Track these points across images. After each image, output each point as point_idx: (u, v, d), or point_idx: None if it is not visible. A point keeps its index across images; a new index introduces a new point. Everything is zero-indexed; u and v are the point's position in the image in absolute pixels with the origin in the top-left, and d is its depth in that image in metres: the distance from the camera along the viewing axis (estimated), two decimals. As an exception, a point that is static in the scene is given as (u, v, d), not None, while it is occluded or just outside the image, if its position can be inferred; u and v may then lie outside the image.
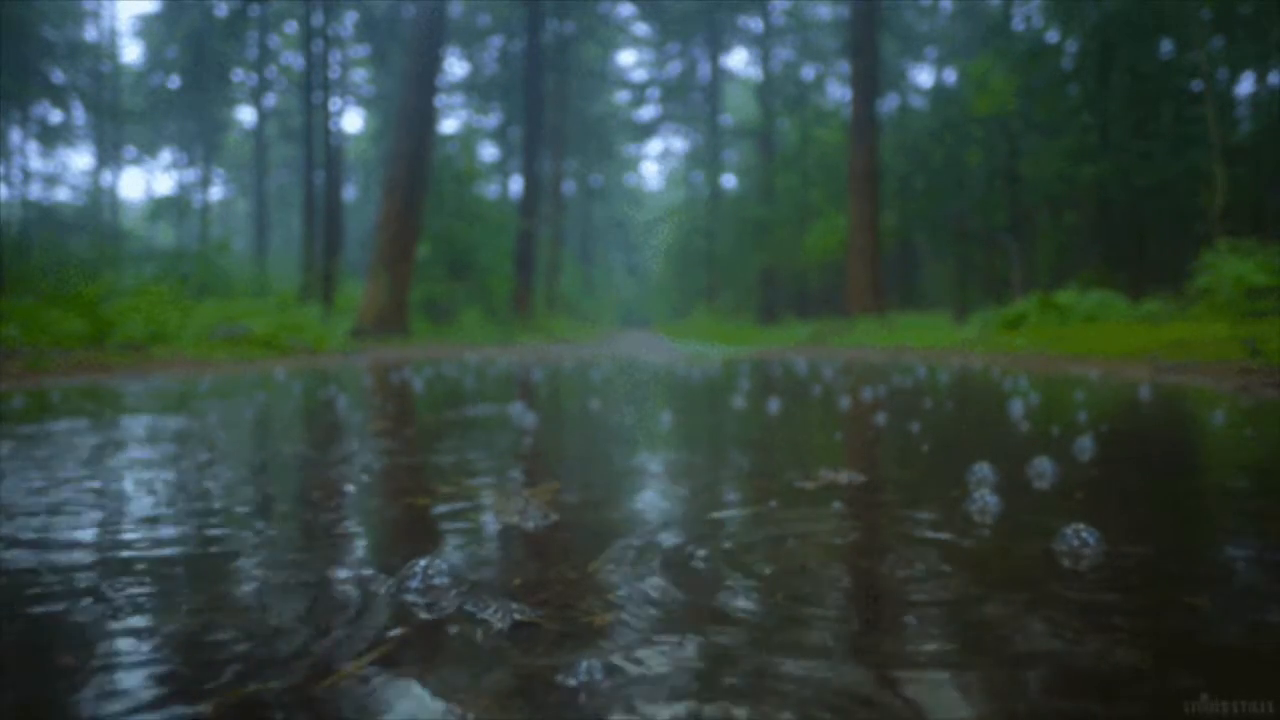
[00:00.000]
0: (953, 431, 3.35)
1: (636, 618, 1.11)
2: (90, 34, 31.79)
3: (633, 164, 54.80)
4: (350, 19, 29.45)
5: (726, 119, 42.45)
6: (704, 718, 0.83)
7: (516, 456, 2.66)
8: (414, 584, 1.18)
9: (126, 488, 2.07)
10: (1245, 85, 19.72)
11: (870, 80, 20.90)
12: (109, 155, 33.94)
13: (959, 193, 24.05)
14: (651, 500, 1.99)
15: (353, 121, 69.01)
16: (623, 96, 43.38)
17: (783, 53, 36.84)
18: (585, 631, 1.06)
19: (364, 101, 39.49)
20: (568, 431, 3.41)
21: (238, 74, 35.02)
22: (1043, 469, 2.15)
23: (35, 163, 30.23)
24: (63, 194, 31.90)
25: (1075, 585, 1.25)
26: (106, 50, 32.48)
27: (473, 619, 1.10)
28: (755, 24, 36.43)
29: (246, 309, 13.55)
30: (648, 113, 43.25)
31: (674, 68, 40.97)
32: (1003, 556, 1.43)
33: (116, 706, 0.85)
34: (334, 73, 25.05)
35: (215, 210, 44.82)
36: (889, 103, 31.37)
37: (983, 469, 2.08)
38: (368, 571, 1.34)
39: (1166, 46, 19.71)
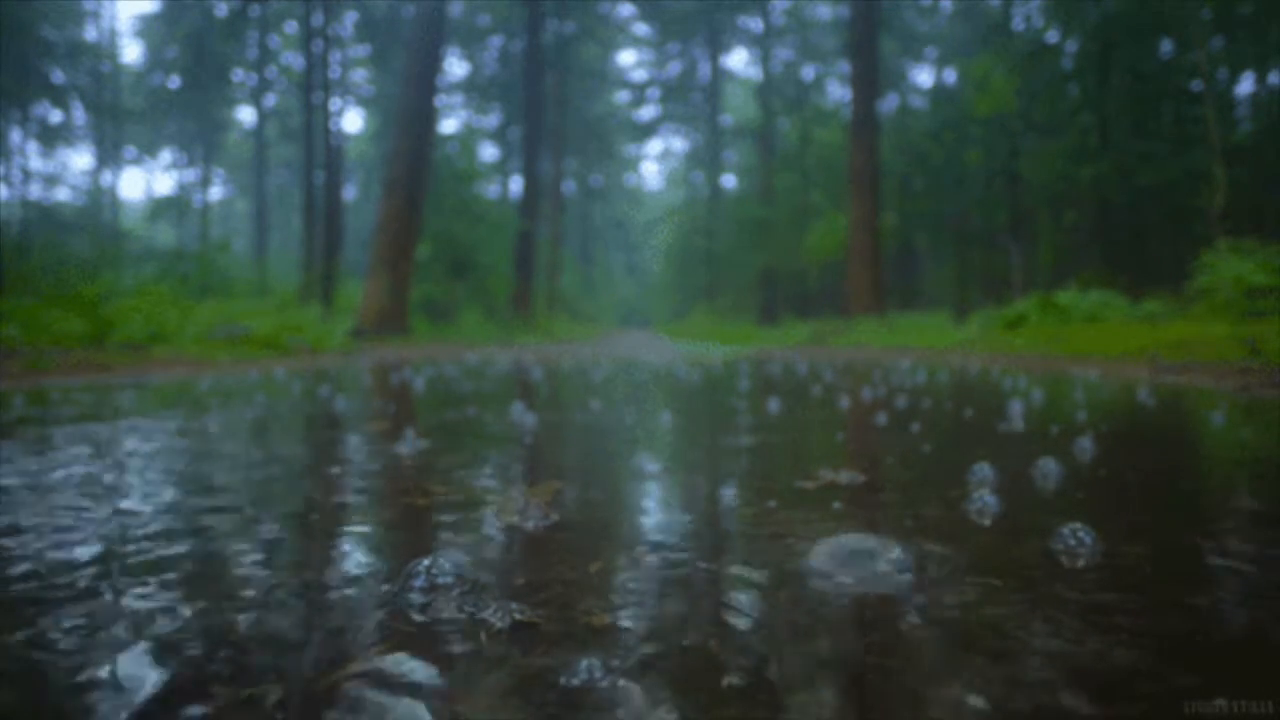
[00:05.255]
0: (952, 431, 3.35)
1: (636, 618, 1.12)
2: (90, 34, 31.84)
3: (633, 164, 54.86)
4: (350, 19, 29.48)
5: (726, 119, 42.48)
6: (704, 718, 0.83)
7: (517, 456, 2.66)
8: (418, 583, 1.18)
9: (124, 487, 2.07)
10: (1245, 85, 19.75)
11: (870, 80, 20.91)
12: (109, 155, 33.96)
13: (959, 193, 24.08)
14: (651, 500, 1.99)
15: (353, 121, 69.17)
16: (623, 96, 43.44)
17: (783, 53, 36.87)
18: (585, 631, 1.07)
19: (364, 101, 39.53)
20: (568, 432, 3.41)
21: (238, 74, 35.07)
22: (1042, 469, 2.15)
23: (35, 163, 30.28)
24: (63, 194, 31.95)
25: (1073, 584, 1.25)
26: (106, 50, 32.50)
27: (473, 619, 1.10)
28: (755, 24, 36.45)
29: (246, 309, 13.56)
30: (648, 113, 43.32)
31: (674, 68, 41.02)
32: (1001, 555, 1.44)
33: (117, 707, 0.85)
34: (334, 73, 25.04)
35: (215, 210, 44.86)
36: (889, 103, 31.38)
37: (983, 469, 2.08)
38: (367, 571, 1.34)
39: (1166, 46, 19.72)
